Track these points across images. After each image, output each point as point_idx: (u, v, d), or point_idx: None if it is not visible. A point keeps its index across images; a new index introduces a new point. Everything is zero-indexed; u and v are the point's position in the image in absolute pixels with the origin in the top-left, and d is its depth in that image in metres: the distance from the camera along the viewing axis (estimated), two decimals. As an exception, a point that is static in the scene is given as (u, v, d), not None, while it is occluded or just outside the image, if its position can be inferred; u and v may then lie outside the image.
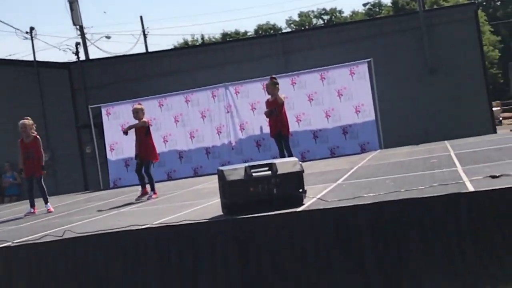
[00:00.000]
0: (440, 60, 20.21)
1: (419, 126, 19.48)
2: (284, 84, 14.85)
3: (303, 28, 59.72)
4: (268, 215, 5.94)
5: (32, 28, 25.91)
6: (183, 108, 16.85)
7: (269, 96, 12.14)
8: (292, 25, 68.08)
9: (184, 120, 16.80)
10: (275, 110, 11.84)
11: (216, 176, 6.63)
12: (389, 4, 61.07)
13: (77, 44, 28.74)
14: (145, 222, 6.74)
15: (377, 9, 65.65)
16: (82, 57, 27.86)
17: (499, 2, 64.58)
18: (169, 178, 16.35)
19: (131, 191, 12.46)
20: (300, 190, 6.34)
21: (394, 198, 5.79)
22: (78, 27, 30.80)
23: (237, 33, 66.02)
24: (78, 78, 22.92)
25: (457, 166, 8.04)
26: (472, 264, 5.32)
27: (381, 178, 7.92)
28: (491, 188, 5.53)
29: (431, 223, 5.46)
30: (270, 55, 21.27)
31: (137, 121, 10.77)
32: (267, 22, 68.34)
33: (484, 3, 61.06)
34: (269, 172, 6.24)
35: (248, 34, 65.43)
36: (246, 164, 6.36)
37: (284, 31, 58.46)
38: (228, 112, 16.43)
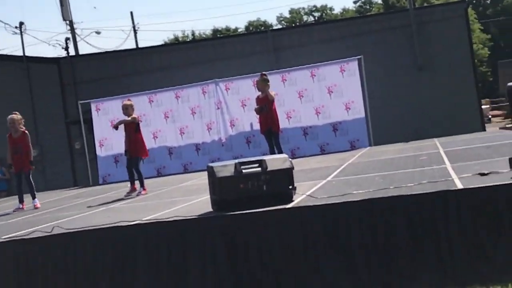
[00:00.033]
0: (430, 58, 20.29)
1: (408, 123, 19.55)
2: (275, 81, 14.84)
3: (293, 25, 59.69)
4: (258, 211, 5.94)
5: (21, 23, 25.83)
6: (173, 104, 16.82)
7: (260, 93, 12.14)
8: (282, 22, 68.13)
9: (174, 116, 16.78)
10: (266, 107, 11.83)
11: (206, 173, 6.62)
12: (380, 1, 61.22)
13: (67, 39, 28.59)
14: (134, 218, 6.72)
15: (368, 7, 65.78)
16: (72, 52, 27.75)
17: (489, 1, 64.87)
18: (159, 175, 16.33)
19: (121, 187, 12.43)
20: (290, 187, 6.34)
21: (383, 195, 5.80)
22: (68, 22, 30.68)
23: (227, 29, 65.97)
24: (68, 73, 22.85)
25: (446, 163, 8.07)
26: (461, 261, 5.33)
27: (371, 175, 7.94)
28: (480, 186, 5.55)
29: (420, 220, 5.48)
30: (261, 51, 21.27)
31: (131, 116, 10.75)
32: (257, 19, 68.41)
33: (474, 1, 61.29)
34: (259, 169, 6.24)
35: (239, 30, 65.40)
36: (236, 161, 6.35)
37: (274, 27, 58.44)
38: (218, 108, 16.42)
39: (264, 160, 6.30)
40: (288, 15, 68.97)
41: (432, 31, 20.43)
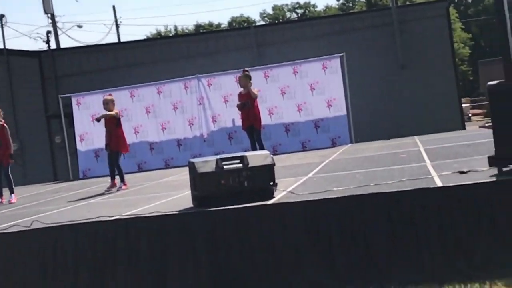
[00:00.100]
0: (411, 56, 20.39)
1: (389, 121, 19.65)
2: (257, 77, 14.85)
3: (276, 21, 59.74)
4: (239, 207, 5.95)
5: (2, 16, 25.58)
6: (154, 99, 16.76)
7: (242, 89, 12.13)
8: (266, 18, 68.14)
9: (155, 112, 16.72)
10: (248, 103, 11.83)
11: (187, 168, 6.61)
12: (363, -1, 61.41)
13: (48, 32, 28.34)
14: (114, 214, 6.70)
15: (351, 4, 65.96)
16: (53, 46, 27.51)
17: (470, 0, 65.32)
18: (140, 170, 16.26)
19: (101, 182, 12.38)
20: (271, 183, 6.36)
21: (363, 192, 5.83)
22: (49, 15, 30.40)
23: (210, 25, 65.86)
24: (49, 67, 22.67)
25: (426, 161, 8.13)
26: (439, 259, 5.38)
27: (351, 172, 7.98)
28: (459, 184, 5.60)
29: (399, 217, 5.52)
30: (244, 47, 21.25)
31: (111, 111, 10.70)
32: (241, 15, 68.43)
33: (456, 1, 61.71)
34: (240, 165, 6.25)
35: (222, 26, 65.29)
36: (218, 157, 6.35)
37: (258, 24, 58.42)
38: (200, 104, 16.39)
39: (246, 156, 6.31)
40: (271, 12, 69.00)
41: (414, 29, 20.54)
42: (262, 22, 63.94)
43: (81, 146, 17.05)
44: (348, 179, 7.11)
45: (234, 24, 64.28)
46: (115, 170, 10.58)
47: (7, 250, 6.44)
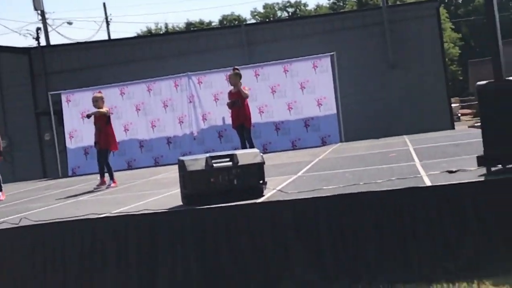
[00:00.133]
0: (401, 56, 20.43)
1: (379, 120, 19.68)
2: (248, 76, 14.85)
3: (267, 20, 59.71)
4: (228, 206, 5.95)
5: (-9, 12, 25.39)
6: (144, 97, 16.74)
7: (232, 87, 12.13)
8: (256, 16, 68.06)
9: (145, 109, 16.69)
10: (238, 102, 11.82)
11: (177, 166, 6.60)
12: (353, -2, 61.45)
13: (38, 29, 28.28)
14: (103, 211, 6.69)
15: (341, 4, 66.03)
16: (43, 42, 27.43)
17: (460, 0, 65.57)
18: (129, 167, 16.23)
19: (90, 179, 12.34)
20: (261, 182, 6.37)
21: (353, 191, 5.85)
22: (39, 12, 30.30)
23: (201, 23, 65.71)
24: (38, 64, 22.56)
25: (415, 160, 8.16)
26: (427, 257, 5.41)
27: (341, 171, 8.00)
28: (447, 183, 5.63)
29: (388, 216, 5.54)
30: (234, 46, 21.23)
31: (100, 109, 10.67)
32: (231, 13, 68.26)
33: (446, 1, 61.91)
34: (230, 163, 6.25)
35: (213, 24, 65.19)
36: (207, 155, 6.35)
37: (248, 22, 58.40)
38: (190, 102, 16.37)
39: (235, 155, 6.31)
40: (262, 10, 68.95)
41: (404, 29, 20.57)
42: (253, 21, 63.88)
43: (70, 144, 16.99)
44: (338, 178, 7.13)
45: (225, 22, 64.21)
46: (104, 167, 10.55)
47: (-5, 248, 6.41)
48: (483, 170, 5.86)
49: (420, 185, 5.75)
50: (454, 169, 6.32)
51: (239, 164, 6.25)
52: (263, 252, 5.72)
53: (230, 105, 12.01)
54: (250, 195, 6.19)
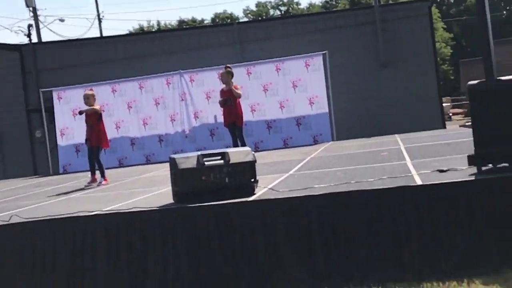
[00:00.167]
0: (393, 55, 20.47)
1: (371, 119, 19.72)
2: (240, 74, 14.85)
3: (260, 18, 59.71)
4: (219, 204, 5.94)
5: (-18, 8, 25.27)
6: (136, 94, 16.71)
7: (224, 85, 12.12)
8: (249, 15, 68.05)
9: (137, 107, 16.67)
10: (230, 100, 11.82)
11: (168, 164, 6.59)
12: (346, -3, 61.49)
13: (30, 26, 28.17)
14: (94, 209, 6.67)
15: (334, 2, 66.09)
16: (35, 39, 27.31)
17: (452, 0, 65.75)
18: (121, 165, 16.21)
19: (81, 177, 12.31)
20: (252, 180, 6.36)
21: (344, 190, 5.86)
22: (31, 8, 30.17)
23: (193, 20, 65.65)
24: (30, 61, 22.46)
25: (406, 159, 8.18)
26: (418, 256, 5.42)
27: (332, 169, 8.01)
28: (438, 182, 5.64)
29: (379, 215, 5.55)
30: (227, 44, 21.21)
31: (92, 106, 10.65)
32: (224, 11, 68.18)
33: (438, 0, 62.08)
34: (222, 161, 6.24)
35: (205, 22, 65.12)
36: (199, 153, 6.34)
37: (241, 20, 58.35)
38: (182, 100, 16.35)
39: (227, 153, 6.31)
40: (254, 9, 68.93)
41: (396, 28, 20.61)
42: (246, 19, 63.84)
43: (61, 141, 16.95)
44: (329, 177, 7.13)
45: (217, 20, 64.15)
46: (95, 165, 10.53)
47: (-15, 245, 6.38)
48: (474, 170, 5.88)
49: (411, 184, 5.77)
50: (445, 168, 6.33)
51: (231, 162, 6.24)
52: (254, 250, 5.72)
53: (222, 104, 12.01)
54: (241, 194, 6.19)
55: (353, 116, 19.47)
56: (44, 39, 30.07)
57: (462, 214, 5.42)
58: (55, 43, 24.71)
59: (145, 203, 6.71)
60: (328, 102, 15.75)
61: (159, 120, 16.52)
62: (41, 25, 30.99)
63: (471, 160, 5.90)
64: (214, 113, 15.70)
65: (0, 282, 6.29)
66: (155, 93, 16.57)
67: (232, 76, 11.96)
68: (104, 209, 6.60)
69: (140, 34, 33.26)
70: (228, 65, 12.55)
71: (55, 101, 17.07)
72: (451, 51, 53.94)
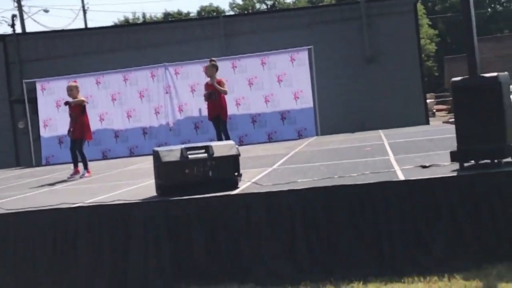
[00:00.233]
0: (378, 51, 20.53)
1: (355, 114, 19.78)
2: (225, 68, 14.83)
3: (246, 12, 59.60)
4: (202, 197, 5.94)
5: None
6: (121, 86, 16.63)
7: (209, 79, 12.09)
8: (235, 8, 67.88)
9: (121, 99, 16.59)
10: (214, 94, 11.79)
11: (152, 157, 6.57)
12: (332, -8, 61.52)
13: (14, 16, 27.93)
14: (77, 201, 6.64)
15: (320, -3, 66.05)
16: (18, 30, 27.07)
17: (438, -4, 65.99)
18: (104, 157, 16.13)
19: (64, 168, 12.24)
20: (236, 174, 6.37)
21: (327, 184, 5.87)
22: (15, -2, 29.89)
23: (179, 13, 65.38)
24: (13, 51, 22.29)
25: (389, 155, 8.22)
26: (400, 252, 5.45)
27: (316, 164, 8.02)
28: (420, 178, 5.67)
29: (361, 210, 5.57)
30: (212, 37, 21.16)
31: (75, 98, 10.58)
32: (210, 4, 67.95)
33: (424, -3, 62.29)
34: (205, 155, 6.24)
35: (191, 15, 64.89)
36: (182, 146, 6.33)
37: (227, 14, 58.22)
38: (167, 92, 16.30)
39: (211, 146, 6.30)
40: (241, 2, 68.75)
41: (382, 24, 20.66)
42: (232, 12, 63.70)
43: (44, 132, 16.84)
44: (313, 171, 7.15)
45: (203, 14, 63.94)
46: (77, 156, 10.48)
47: (-35, 236, 6.33)
48: (456, 166, 5.92)
49: (394, 179, 5.79)
50: (427, 164, 6.37)
51: (214, 155, 6.24)
52: (237, 243, 5.72)
53: (207, 97, 11.97)
54: (224, 187, 6.19)
55: (338, 111, 19.53)
56: (28, 30, 29.87)
57: (443, 210, 5.46)
58: (39, 34, 24.54)
59: (128, 195, 6.69)
60: (312, 97, 15.78)
61: (143, 113, 16.46)
62: (25, 16, 30.76)
63: (454, 156, 5.94)
64: (198, 106, 15.67)
65: (-19, 274, 6.25)
66: (140, 85, 16.50)
67: (217, 69, 11.93)
68: (86, 202, 6.57)
69: (125, 26, 33.13)
70: (213, 58, 12.52)
71: (39, 92, 16.95)
72: (435, 47, 54.20)
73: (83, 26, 38.18)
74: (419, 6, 40.61)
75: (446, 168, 6.03)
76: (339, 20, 20.97)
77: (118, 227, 6.00)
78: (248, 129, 15.80)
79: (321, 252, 5.57)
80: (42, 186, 9.59)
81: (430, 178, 5.62)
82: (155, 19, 62.65)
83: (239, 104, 15.78)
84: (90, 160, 10.87)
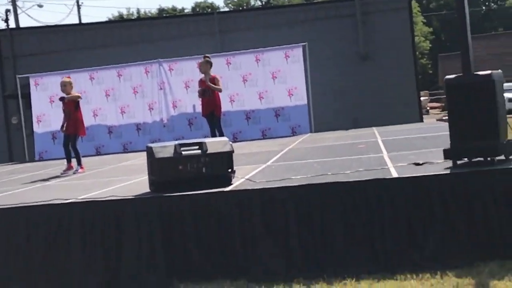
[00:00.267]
0: (373, 48, 20.57)
1: (349, 111, 19.81)
2: (219, 64, 14.82)
3: (240, 8, 59.54)
4: (195, 193, 5.93)
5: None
6: (114, 82, 16.59)
7: (203, 75, 12.08)
8: (230, 4, 67.81)
9: (115, 95, 16.55)
10: (208, 90, 11.78)
11: (145, 153, 6.56)
12: (327, -11, 61.48)
13: (7, 11, 27.80)
14: (70, 197, 6.62)
15: (315, -6, 66.03)
16: (12, 25, 26.97)
17: (432, -6, 66.08)
18: (98, 153, 16.11)
19: (57, 164, 12.20)
20: (229, 170, 6.36)
21: (321, 182, 5.87)
22: (8, -7, 29.76)
23: (174, 9, 65.28)
24: (7, 46, 22.22)
25: (383, 152, 8.23)
26: (393, 248, 5.46)
27: (310, 161, 8.03)
28: (414, 175, 5.68)
29: (355, 207, 5.58)
30: (206, 33, 21.15)
31: (69, 94, 10.54)
32: (204, 1, 67.86)
33: (418, -6, 62.35)
34: (199, 151, 6.23)
35: (185, 11, 64.78)
36: (176, 142, 6.32)
37: (221, 10, 58.15)
38: (161, 89, 16.27)
39: (204, 143, 6.29)
40: (235, -2, 68.70)
41: (377, 21, 20.69)
42: (226, 9, 63.67)
43: (38, 128, 16.79)
44: (306, 168, 7.15)
45: (197, 10, 63.87)
46: (70, 152, 10.45)
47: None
48: (449, 163, 5.93)
49: (387, 177, 5.80)
50: (421, 162, 6.38)
51: (208, 152, 6.23)
52: (230, 240, 5.72)
53: (201, 94, 11.97)
54: (218, 184, 6.18)
55: (332, 108, 19.56)
56: (22, 25, 29.78)
57: (436, 207, 5.47)
58: (33, 29, 24.45)
59: (121, 192, 6.68)
60: (307, 93, 15.78)
61: (137, 109, 16.44)
62: (19, 11, 30.63)
63: (447, 154, 5.95)
64: (192, 102, 15.65)
65: (-27, 269, 6.23)
66: (134, 81, 16.47)
67: (211, 66, 11.92)
68: (79, 197, 6.55)
69: (120, 22, 33.03)
70: (207, 55, 12.51)
71: (32, 87, 16.90)
72: (430, 45, 54.33)
73: (77, 22, 38.08)
74: (414, 4, 40.67)
75: (439, 165, 6.04)
76: (333, 17, 20.99)
77: (111, 223, 5.99)
78: (242, 125, 15.80)
79: (314, 249, 5.57)
80: (35, 181, 9.56)
81: (423, 176, 5.63)
82: (150, 15, 62.57)
83: (233, 101, 15.77)
84: (83, 156, 10.85)
